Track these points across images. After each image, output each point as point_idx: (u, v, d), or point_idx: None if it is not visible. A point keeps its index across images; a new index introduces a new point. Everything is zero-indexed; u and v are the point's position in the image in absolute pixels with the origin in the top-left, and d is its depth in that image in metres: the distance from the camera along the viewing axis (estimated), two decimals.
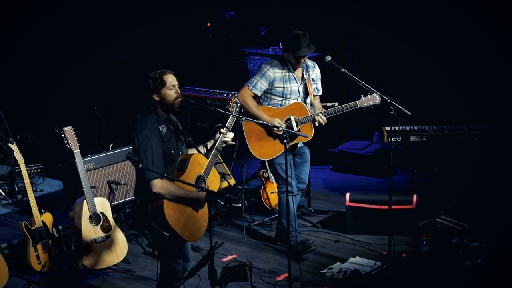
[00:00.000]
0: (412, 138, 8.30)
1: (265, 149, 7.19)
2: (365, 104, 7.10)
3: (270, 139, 7.19)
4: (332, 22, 10.22)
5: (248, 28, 11.07)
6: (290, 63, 7.17)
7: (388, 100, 6.86)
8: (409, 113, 6.74)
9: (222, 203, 8.58)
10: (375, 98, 7.06)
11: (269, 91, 7.21)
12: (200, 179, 5.74)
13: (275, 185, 8.37)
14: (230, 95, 9.41)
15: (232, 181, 8.35)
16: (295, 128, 7.14)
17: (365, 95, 7.07)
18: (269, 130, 7.14)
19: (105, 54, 10.01)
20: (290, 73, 7.19)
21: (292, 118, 7.17)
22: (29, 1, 9.84)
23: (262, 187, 8.37)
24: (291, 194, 7.22)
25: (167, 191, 5.48)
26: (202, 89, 9.75)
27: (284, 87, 7.18)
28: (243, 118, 6.07)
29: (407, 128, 8.31)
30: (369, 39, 9.89)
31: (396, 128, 7.68)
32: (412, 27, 9.36)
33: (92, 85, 10.14)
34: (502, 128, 8.16)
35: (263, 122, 6.85)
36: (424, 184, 8.85)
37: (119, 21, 10.29)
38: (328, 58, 6.92)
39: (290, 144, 7.16)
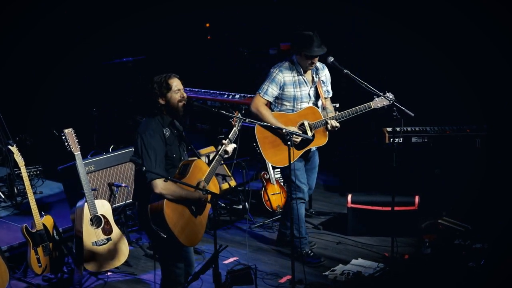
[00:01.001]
0: (413, 139, 8.28)
1: (280, 156, 7.00)
2: (379, 105, 6.95)
3: (281, 146, 6.97)
4: (332, 22, 10.17)
5: (248, 28, 11.04)
6: (300, 65, 7.02)
7: (391, 102, 6.84)
8: (412, 114, 6.72)
9: (223, 205, 8.54)
10: (388, 99, 6.99)
11: (279, 96, 7.06)
12: (200, 185, 5.72)
13: (276, 186, 8.34)
14: (231, 96, 9.37)
15: (233, 183, 8.30)
16: (309, 133, 7.04)
17: (378, 96, 6.95)
18: (280, 137, 6.97)
19: (104, 55, 9.95)
20: (300, 77, 7.05)
21: (306, 123, 7.04)
22: (27, 3, 9.77)
23: (263, 188, 8.34)
24: (303, 201, 7.19)
25: (169, 191, 5.47)
26: (202, 90, 9.72)
27: (294, 92, 7.03)
28: (247, 120, 5.99)
29: (409, 129, 8.28)
30: (369, 39, 9.85)
31: (398, 129, 7.64)
32: (412, 27, 9.31)
33: (91, 86, 10.10)
34: (502, 128, 8.14)
35: (266, 124, 6.74)
36: (425, 185, 8.80)
37: (117, 22, 10.25)
38: (331, 59, 6.84)
39: (306, 149, 7.09)
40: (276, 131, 6.91)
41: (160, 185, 5.44)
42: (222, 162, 7.81)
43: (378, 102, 6.95)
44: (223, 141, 5.95)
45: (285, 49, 10.32)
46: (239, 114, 6.14)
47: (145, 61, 9.66)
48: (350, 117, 7.05)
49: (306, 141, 7.03)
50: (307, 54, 6.89)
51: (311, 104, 7.12)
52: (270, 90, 7.02)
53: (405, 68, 9.45)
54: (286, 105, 7.09)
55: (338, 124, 7.00)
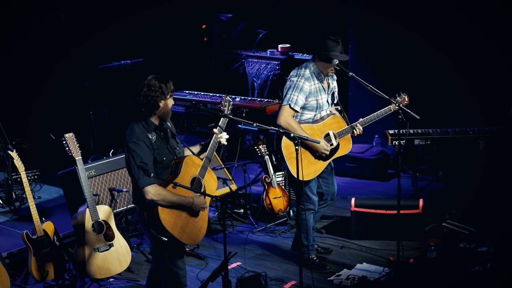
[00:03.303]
0: (416, 142, 8.23)
1: (306, 170, 6.78)
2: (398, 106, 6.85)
3: (310, 159, 6.87)
4: (331, 23, 10.11)
5: (246, 30, 10.95)
6: (321, 72, 6.84)
7: (397, 104, 6.78)
8: (418, 117, 6.67)
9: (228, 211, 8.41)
10: (404, 100, 6.93)
11: (302, 106, 6.84)
12: (196, 181, 5.68)
13: (277, 190, 8.25)
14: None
15: (234, 187, 8.19)
16: (335, 143, 6.92)
17: (395, 98, 6.90)
18: (308, 149, 6.86)
19: (101, 58, 9.86)
20: (320, 84, 6.87)
21: (331, 133, 6.92)
22: (23, 7, 9.66)
23: (265, 192, 8.24)
24: (312, 211, 7.10)
25: (160, 197, 5.45)
26: (202, 93, 9.62)
27: (317, 100, 6.86)
28: (254, 124, 5.89)
29: (411, 131, 8.23)
30: (369, 40, 9.79)
31: (403, 131, 7.59)
32: (414, 28, 9.28)
33: (89, 90, 9.99)
34: (509, 130, 8.10)
35: (273, 128, 6.58)
36: (428, 188, 8.75)
37: (112, 25, 10.15)
38: (336, 61, 6.72)
39: (332, 158, 6.99)
40: (305, 144, 6.77)
41: (151, 191, 5.44)
42: (221, 163, 7.79)
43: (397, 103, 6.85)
44: (214, 130, 5.86)
45: (284, 51, 10.25)
46: (228, 97, 6.07)
47: (142, 64, 9.57)
48: (372, 122, 6.98)
49: (332, 151, 6.92)
50: (336, 58, 6.71)
51: (329, 111, 7.01)
52: (300, 100, 6.78)
53: (407, 70, 9.42)
54: (307, 114, 6.91)
55: (362, 131, 6.94)
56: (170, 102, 5.64)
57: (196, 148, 5.89)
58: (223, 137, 5.87)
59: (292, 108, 6.78)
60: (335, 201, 8.82)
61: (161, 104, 5.59)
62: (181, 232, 5.53)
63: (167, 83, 5.61)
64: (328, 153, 6.89)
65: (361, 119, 6.96)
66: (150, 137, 5.55)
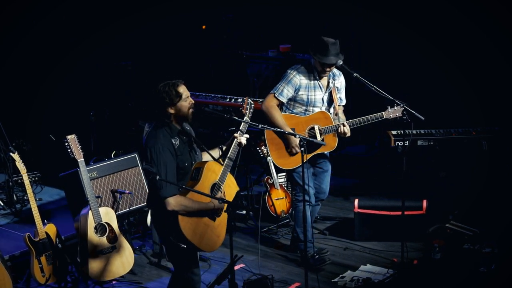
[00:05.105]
0: (419, 142, 8.19)
1: (286, 159, 6.99)
2: (391, 115, 6.85)
3: (288, 149, 6.98)
4: (331, 23, 10.08)
5: (247, 31, 10.92)
6: (316, 70, 6.95)
7: (401, 105, 6.75)
8: (422, 118, 6.67)
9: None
10: (400, 110, 6.87)
11: (292, 99, 6.98)
12: (216, 187, 5.61)
13: (280, 191, 8.22)
14: (233, 100, 9.23)
15: (236, 188, 8.14)
16: (319, 138, 6.95)
17: (392, 106, 6.85)
18: (284, 141, 6.94)
19: (101, 59, 9.82)
20: (316, 81, 6.96)
21: (316, 127, 6.96)
22: (22, 7, 9.63)
23: (267, 193, 8.21)
24: (308, 203, 7.08)
25: (182, 207, 5.37)
26: (203, 94, 9.57)
27: (308, 95, 6.95)
28: (260, 126, 5.87)
29: (414, 132, 8.19)
30: (370, 40, 9.77)
31: (408, 132, 7.56)
32: (415, 28, 9.26)
33: (89, 90, 9.94)
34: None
35: (279, 130, 6.60)
36: (430, 189, 8.72)
37: (112, 25, 10.11)
38: (340, 62, 6.75)
39: (313, 154, 7.01)
40: (282, 134, 6.83)
41: (172, 202, 5.35)
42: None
43: (391, 112, 6.85)
44: (235, 134, 5.78)
45: (285, 51, 10.22)
46: (250, 100, 6.00)
47: (143, 64, 9.52)
48: (361, 125, 6.96)
49: (314, 146, 6.92)
50: (321, 61, 6.80)
51: (323, 109, 7.03)
52: (286, 92, 6.93)
53: (407, 70, 9.39)
54: (298, 107, 7.02)
55: (349, 132, 6.91)
56: (184, 105, 5.54)
57: (215, 152, 5.83)
58: (242, 139, 5.79)
59: (276, 98, 6.94)
60: (337, 202, 8.84)
61: (170, 110, 5.51)
62: (200, 240, 5.48)
63: (176, 89, 5.53)
64: (296, 152, 6.94)
65: (350, 120, 6.96)
66: (174, 143, 5.47)
